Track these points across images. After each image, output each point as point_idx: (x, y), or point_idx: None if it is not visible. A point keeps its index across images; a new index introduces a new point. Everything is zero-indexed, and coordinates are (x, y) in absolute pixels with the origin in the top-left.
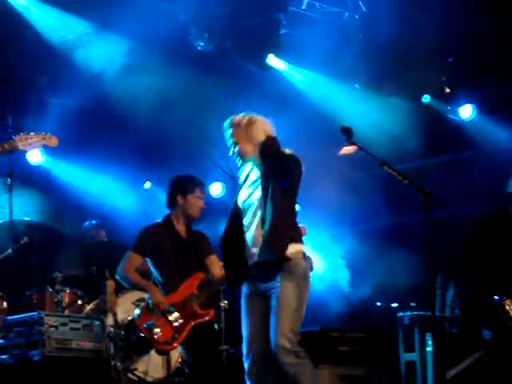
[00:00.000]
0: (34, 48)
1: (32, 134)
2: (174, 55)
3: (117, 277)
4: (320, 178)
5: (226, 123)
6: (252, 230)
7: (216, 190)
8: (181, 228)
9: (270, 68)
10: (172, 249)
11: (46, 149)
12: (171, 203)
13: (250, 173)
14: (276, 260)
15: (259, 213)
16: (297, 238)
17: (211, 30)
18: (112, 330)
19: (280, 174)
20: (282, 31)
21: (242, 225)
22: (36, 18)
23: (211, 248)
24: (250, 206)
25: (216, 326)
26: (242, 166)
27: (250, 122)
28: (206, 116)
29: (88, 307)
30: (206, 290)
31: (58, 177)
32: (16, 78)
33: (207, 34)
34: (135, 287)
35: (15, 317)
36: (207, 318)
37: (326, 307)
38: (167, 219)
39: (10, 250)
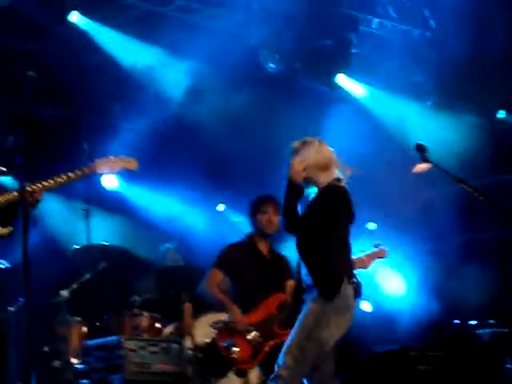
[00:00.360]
0: (107, 74)
1: (111, 157)
2: (243, 78)
3: (199, 292)
4: (394, 197)
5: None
6: None
7: None
8: (262, 247)
9: (339, 88)
10: (253, 267)
11: (121, 173)
12: (250, 223)
13: None
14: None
15: None
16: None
17: (282, 51)
18: (190, 352)
19: None
20: (353, 51)
21: None
22: (109, 45)
23: (291, 272)
24: None
25: None
26: None
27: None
28: (276, 135)
29: (166, 330)
30: (285, 311)
31: (133, 201)
32: (90, 105)
33: (278, 55)
34: (216, 302)
35: (94, 341)
36: (286, 338)
37: (403, 326)
38: (249, 238)
39: (88, 275)
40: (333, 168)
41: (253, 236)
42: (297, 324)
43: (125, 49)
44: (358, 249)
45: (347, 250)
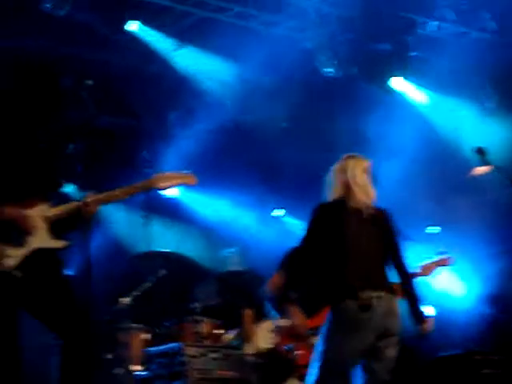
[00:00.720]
0: (165, 82)
1: (170, 173)
2: (299, 82)
3: (262, 295)
4: (454, 201)
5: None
6: None
7: None
8: None
9: (395, 91)
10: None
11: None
12: None
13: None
14: None
15: None
16: None
17: (339, 55)
18: (252, 358)
19: None
20: (411, 54)
21: None
22: (167, 53)
23: None
24: None
25: None
26: None
27: None
28: (332, 140)
29: (227, 336)
30: None
31: (192, 207)
32: (149, 113)
33: (336, 60)
34: (277, 306)
35: (156, 348)
36: None
37: (466, 330)
38: None
39: (149, 282)
40: None
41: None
42: None
43: (182, 56)
44: (423, 255)
45: (346, 264)
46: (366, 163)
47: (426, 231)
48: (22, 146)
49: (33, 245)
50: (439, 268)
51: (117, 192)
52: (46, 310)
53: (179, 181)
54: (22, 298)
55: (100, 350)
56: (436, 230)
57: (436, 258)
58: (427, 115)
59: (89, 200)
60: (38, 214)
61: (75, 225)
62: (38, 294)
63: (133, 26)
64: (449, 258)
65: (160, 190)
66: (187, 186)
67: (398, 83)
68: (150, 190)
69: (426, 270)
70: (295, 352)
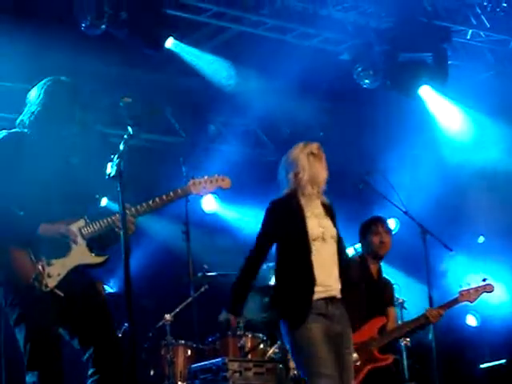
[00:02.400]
0: (203, 97)
1: (205, 177)
2: (336, 95)
3: None
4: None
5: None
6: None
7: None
8: (373, 269)
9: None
10: (362, 287)
11: (219, 195)
12: (362, 244)
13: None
14: None
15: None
16: None
17: (376, 67)
18: (296, 372)
19: None
20: (448, 62)
21: None
22: (203, 68)
23: (393, 299)
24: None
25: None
26: None
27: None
28: (370, 151)
29: (270, 351)
30: (386, 336)
31: (231, 222)
32: (187, 128)
33: (372, 71)
34: None
35: (200, 364)
36: (384, 364)
37: (510, 339)
38: (361, 258)
39: (190, 298)
40: None
41: (365, 257)
42: None
43: (218, 70)
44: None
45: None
46: (311, 147)
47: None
48: (60, 162)
49: (73, 261)
50: (482, 294)
51: (156, 201)
52: (82, 332)
53: (215, 184)
54: (62, 317)
55: (144, 366)
56: (480, 239)
57: (478, 285)
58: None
59: (129, 211)
60: (77, 230)
61: (114, 239)
62: (77, 314)
63: (169, 42)
64: (491, 284)
65: (197, 195)
66: (223, 189)
67: (427, 93)
68: (187, 196)
69: (469, 297)
70: None
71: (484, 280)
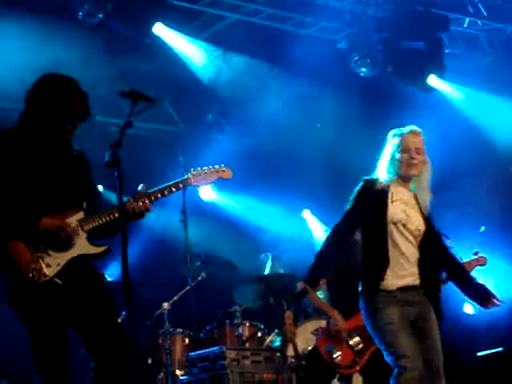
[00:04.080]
0: (200, 87)
1: (205, 168)
2: (334, 83)
3: None
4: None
5: (407, 130)
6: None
7: None
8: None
9: (431, 89)
10: (352, 273)
11: (217, 184)
12: None
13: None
14: None
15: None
16: None
17: (373, 55)
18: (293, 360)
19: None
20: (445, 51)
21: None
22: (197, 58)
23: None
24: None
25: None
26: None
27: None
28: (371, 140)
29: (268, 339)
30: None
31: (230, 211)
32: (185, 118)
33: (369, 59)
34: (316, 308)
35: (197, 352)
36: None
37: (506, 327)
38: (350, 245)
39: (188, 287)
40: None
41: (353, 245)
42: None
43: (213, 60)
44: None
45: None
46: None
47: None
48: (58, 154)
49: (73, 252)
50: (475, 268)
51: (155, 194)
52: (83, 323)
53: (215, 175)
54: (63, 307)
55: (141, 354)
56: (481, 229)
57: (471, 258)
58: (465, 112)
59: (139, 196)
60: (76, 221)
61: (112, 230)
62: (78, 304)
63: (163, 30)
64: (483, 257)
65: (198, 186)
66: (223, 179)
67: (434, 81)
68: (186, 188)
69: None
70: (335, 353)
71: (476, 253)
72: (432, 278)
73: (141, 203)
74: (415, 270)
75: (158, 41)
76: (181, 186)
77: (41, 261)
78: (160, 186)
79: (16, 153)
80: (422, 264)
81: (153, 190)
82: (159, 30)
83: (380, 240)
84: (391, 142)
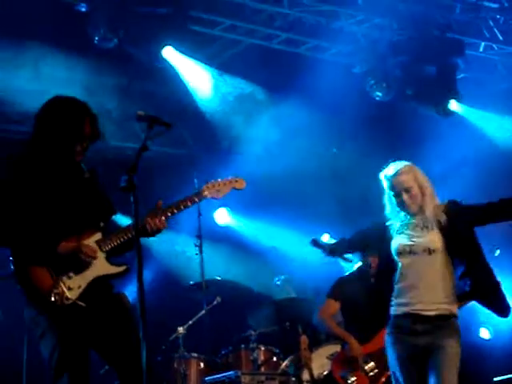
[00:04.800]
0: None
1: (219, 180)
2: (350, 107)
3: (314, 322)
4: None
5: (391, 171)
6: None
7: None
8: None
9: (451, 113)
10: (367, 299)
11: (233, 208)
12: (361, 259)
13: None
14: None
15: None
16: None
17: (389, 79)
18: None
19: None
20: (460, 75)
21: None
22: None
23: None
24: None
25: None
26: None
27: (416, 170)
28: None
29: (283, 364)
30: None
31: (244, 235)
32: (200, 142)
33: (385, 83)
34: (331, 333)
35: (213, 377)
36: None
37: None
38: (362, 271)
39: (203, 311)
40: None
41: (365, 270)
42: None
43: (222, 86)
44: None
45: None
46: None
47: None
48: (70, 177)
49: (94, 274)
50: None
51: (172, 206)
52: (108, 345)
53: (229, 186)
54: (87, 329)
55: (157, 379)
56: (496, 252)
57: None
58: (484, 135)
59: (155, 212)
60: (94, 242)
61: (130, 246)
62: (102, 326)
63: (173, 54)
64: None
65: (213, 198)
66: (237, 189)
67: (454, 106)
68: (202, 200)
69: None
70: (350, 378)
71: None
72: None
73: (157, 221)
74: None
75: (166, 64)
76: (196, 199)
77: (62, 284)
78: (175, 201)
79: (30, 178)
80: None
81: (169, 205)
82: (168, 53)
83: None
84: (384, 185)
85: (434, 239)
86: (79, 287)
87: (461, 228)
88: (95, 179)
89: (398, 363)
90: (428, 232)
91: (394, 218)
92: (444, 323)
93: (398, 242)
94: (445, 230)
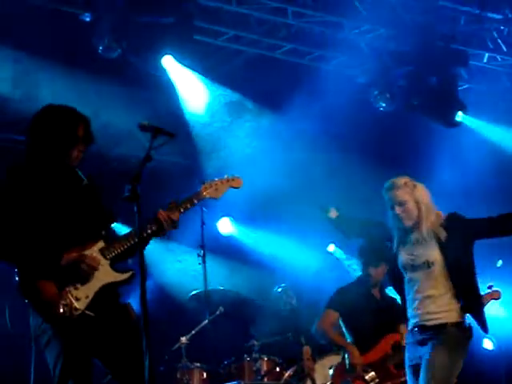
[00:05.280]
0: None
1: (216, 179)
2: (353, 118)
3: (312, 332)
4: None
5: (388, 185)
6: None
7: None
8: (375, 291)
9: (456, 124)
10: (367, 309)
11: (235, 217)
12: (362, 270)
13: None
14: None
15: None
16: None
17: (392, 90)
18: None
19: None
20: (464, 86)
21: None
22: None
23: (401, 316)
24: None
25: None
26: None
27: (414, 185)
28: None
29: (286, 374)
30: (400, 352)
31: (247, 245)
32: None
33: (389, 94)
34: (331, 343)
35: None
36: (403, 380)
37: None
38: (362, 281)
39: (206, 321)
40: None
41: (365, 280)
42: None
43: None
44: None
45: None
46: None
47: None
48: (68, 186)
49: (100, 282)
50: (489, 302)
51: (174, 207)
52: (112, 355)
53: (226, 185)
54: (92, 338)
55: None
56: (498, 263)
57: (485, 293)
58: (489, 146)
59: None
60: (98, 250)
61: (132, 252)
62: (109, 336)
63: (172, 64)
64: (497, 291)
65: (212, 198)
66: (235, 188)
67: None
68: (201, 200)
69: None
70: None
71: (490, 287)
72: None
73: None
74: None
75: (166, 74)
76: (195, 201)
77: (69, 295)
78: (177, 203)
79: (29, 190)
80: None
81: (168, 208)
82: (167, 63)
83: None
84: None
85: (433, 253)
86: (87, 297)
87: (458, 244)
88: (93, 186)
89: (408, 372)
90: (427, 245)
91: (394, 230)
92: (440, 332)
93: (401, 256)
94: (443, 245)
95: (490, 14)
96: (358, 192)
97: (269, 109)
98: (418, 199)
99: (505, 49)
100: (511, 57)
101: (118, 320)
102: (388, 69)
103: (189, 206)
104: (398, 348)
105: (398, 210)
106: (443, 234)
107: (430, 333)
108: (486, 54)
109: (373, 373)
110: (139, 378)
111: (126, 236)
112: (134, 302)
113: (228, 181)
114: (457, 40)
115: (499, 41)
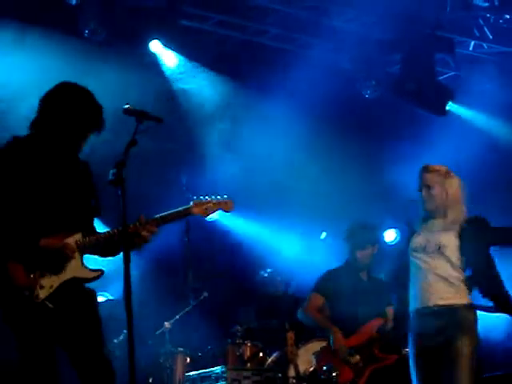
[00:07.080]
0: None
1: (208, 199)
2: (339, 105)
3: (298, 316)
4: None
5: (423, 167)
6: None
7: (390, 236)
8: (363, 274)
9: (444, 112)
10: (353, 293)
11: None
12: (349, 252)
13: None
14: None
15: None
16: None
17: (378, 77)
18: (294, 381)
19: None
20: (450, 73)
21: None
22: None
23: (390, 298)
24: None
25: None
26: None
27: (448, 174)
28: (379, 162)
29: (269, 360)
30: (386, 336)
31: (232, 229)
32: (188, 138)
33: (375, 81)
34: (316, 326)
35: (198, 372)
36: (387, 363)
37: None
38: (349, 264)
39: (190, 306)
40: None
41: (353, 264)
42: None
43: (218, 83)
44: None
45: None
46: None
47: None
48: (65, 169)
49: (67, 275)
50: None
51: (158, 219)
52: (72, 344)
53: (217, 207)
54: (53, 330)
55: (143, 374)
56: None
57: None
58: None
59: (144, 221)
60: (73, 243)
61: (112, 251)
62: (68, 327)
63: (160, 48)
64: None
65: (200, 216)
66: (225, 211)
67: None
68: (189, 216)
69: None
70: (334, 371)
71: None
72: None
73: (146, 231)
74: None
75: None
76: (182, 214)
77: (34, 281)
78: (162, 214)
79: (22, 166)
80: None
81: (155, 217)
82: (155, 47)
83: None
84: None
85: (449, 240)
86: (51, 287)
87: (475, 248)
88: (88, 173)
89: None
90: (445, 234)
91: (420, 211)
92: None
93: (416, 238)
94: (461, 237)
95: (476, 2)
96: (338, 178)
97: (256, 93)
98: (447, 188)
99: (491, 36)
100: (497, 45)
101: (78, 312)
102: (374, 56)
103: (176, 218)
104: (384, 331)
105: (424, 191)
106: (464, 228)
107: (445, 319)
108: (472, 42)
109: (357, 356)
110: (94, 373)
111: (105, 232)
112: (118, 286)
113: (220, 203)
114: (443, 27)
115: (485, 28)
